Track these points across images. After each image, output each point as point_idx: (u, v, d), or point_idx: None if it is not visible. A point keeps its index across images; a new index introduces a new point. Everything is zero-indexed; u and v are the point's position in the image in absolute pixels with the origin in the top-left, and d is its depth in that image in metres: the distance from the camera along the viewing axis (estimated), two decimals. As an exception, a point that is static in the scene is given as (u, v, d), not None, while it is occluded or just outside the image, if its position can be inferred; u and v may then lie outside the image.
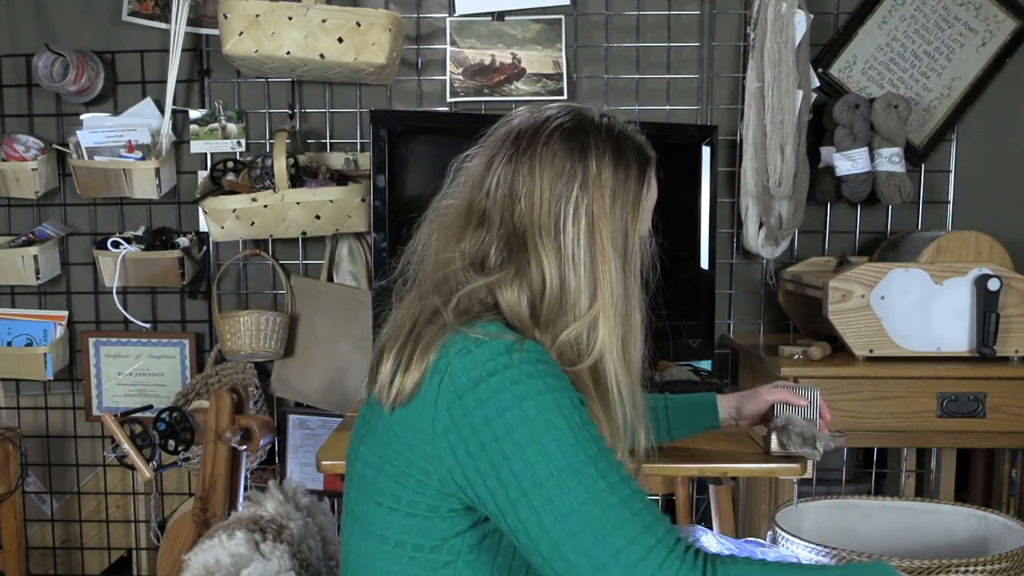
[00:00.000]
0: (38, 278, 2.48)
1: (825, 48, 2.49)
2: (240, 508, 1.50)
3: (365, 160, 2.46)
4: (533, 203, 1.11)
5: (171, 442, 2.10)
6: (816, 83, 2.45)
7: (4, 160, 2.45)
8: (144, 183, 2.43)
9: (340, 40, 2.23)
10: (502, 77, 2.49)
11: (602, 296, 1.11)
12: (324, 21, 2.22)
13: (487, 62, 2.49)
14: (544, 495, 0.99)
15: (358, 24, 2.24)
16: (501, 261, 1.12)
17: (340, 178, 2.42)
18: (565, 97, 2.47)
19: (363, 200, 2.36)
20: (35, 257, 2.45)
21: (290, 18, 2.21)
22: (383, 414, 1.09)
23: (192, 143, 2.52)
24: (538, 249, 1.10)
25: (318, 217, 2.34)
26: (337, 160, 2.48)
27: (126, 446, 2.00)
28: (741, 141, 2.44)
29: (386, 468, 1.08)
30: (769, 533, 1.93)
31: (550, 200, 1.11)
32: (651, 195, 1.19)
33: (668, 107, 2.52)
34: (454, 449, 1.02)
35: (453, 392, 1.02)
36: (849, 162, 2.38)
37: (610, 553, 0.97)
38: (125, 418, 2.05)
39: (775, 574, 1.01)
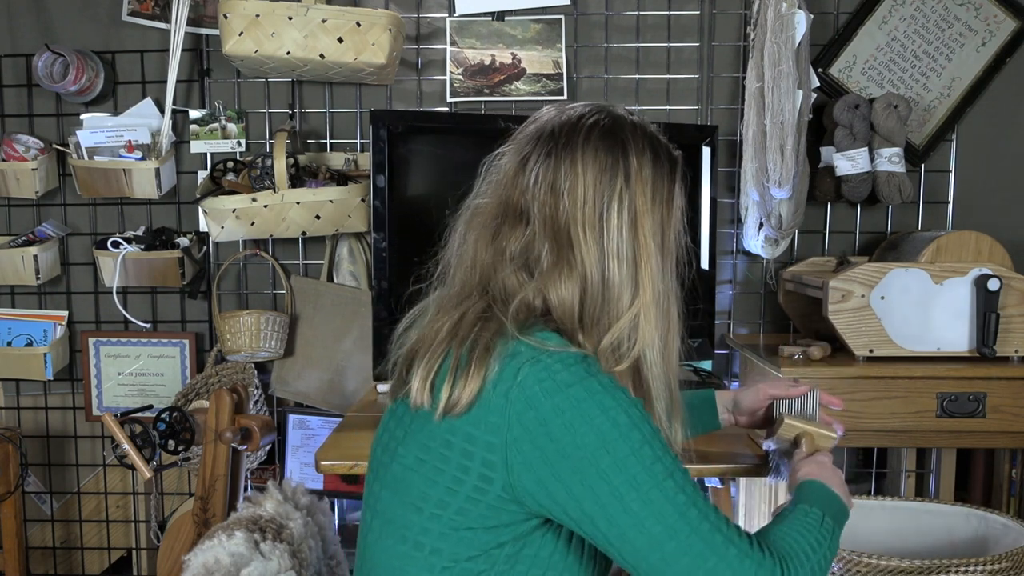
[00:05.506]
0: (38, 278, 2.48)
1: (825, 48, 2.49)
2: (240, 508, 1.50)
3: (365, 160, 2.46)
4: (576, 199, 1.11)
5: (171, 442, 2.10)
6: (816, 83, 2.44)
7: (4, 160, 2.45)
8: (144, 183, 2.43)
9: (340, 40, 2.23)
10: (502, 77, 2.49)
11: (644, 292, 1.13)
12: (324, 21, 2.22)
13: (487, 62, 2.49)
14: (642, 497, 1.00)
15: (358, 24, 2.24)
16: (549, 261, 1.12)
17: (340, 178, 2.42)
18: (565, 97, 2.47)
19: (363, 200, 2.36)
20: (35, 257, 2.45)
21: (290, 18, 2.21)
22: (429, 420, 1.08)
23: (192, 143, 2.52)
24: (582, 245, 1.11)
25: (318, 217, 2.34)
26: (337, 160, 2.48)
27: (126, 446, 2.00)
28: (741, 141, 2.44)
29: (432, 474, 1.07)
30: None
31: (594, 196, 1.12)
32: (681, 193, 1.22)
33: (668, 107, 2.52)
34: (527, 458, 1.02)
35: (524, 402, 1.02)
36: (849, 162, 2.38)
37: (711, 550, 1.01)
38: (125, 418, 2.06)
39: (813, 544, 1.09)
